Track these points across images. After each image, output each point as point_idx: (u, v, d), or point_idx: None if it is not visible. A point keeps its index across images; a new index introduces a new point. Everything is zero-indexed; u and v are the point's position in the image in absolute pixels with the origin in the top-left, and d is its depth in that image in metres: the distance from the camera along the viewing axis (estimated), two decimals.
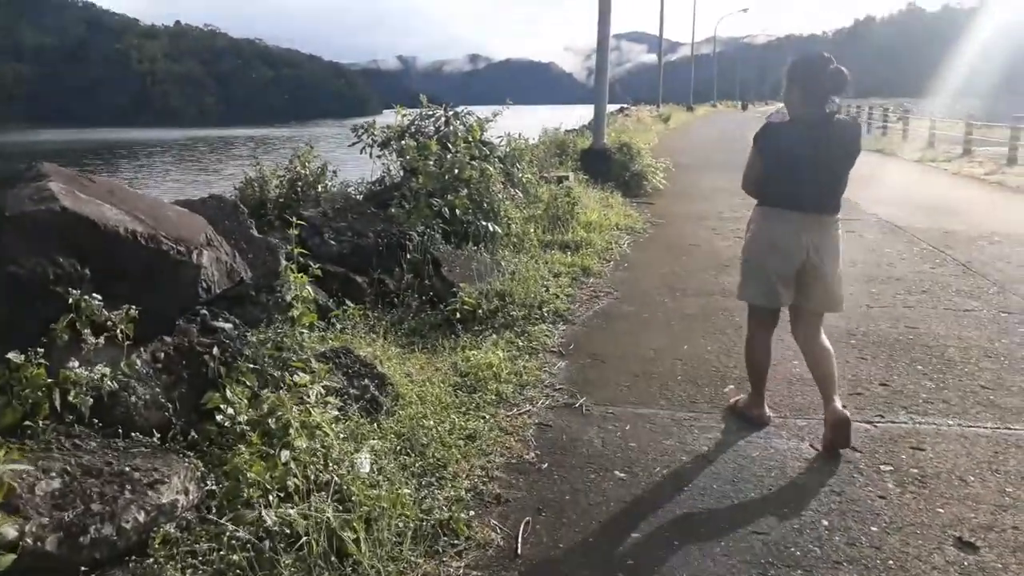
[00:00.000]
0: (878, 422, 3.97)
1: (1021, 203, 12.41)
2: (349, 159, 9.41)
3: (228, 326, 3.62)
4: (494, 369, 4.42)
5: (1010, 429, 3.86)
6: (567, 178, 10.60)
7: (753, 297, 3.88)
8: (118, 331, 2.91)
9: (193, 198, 4.63)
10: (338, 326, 4.78)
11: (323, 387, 3.43)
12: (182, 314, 3.30)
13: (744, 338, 4.09)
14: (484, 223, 6.72)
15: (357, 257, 5.61)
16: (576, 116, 29.21)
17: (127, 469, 2.53)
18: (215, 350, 3.33)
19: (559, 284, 6.43)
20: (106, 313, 2.88)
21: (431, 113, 8.19)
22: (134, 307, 2.99)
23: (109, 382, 2.88)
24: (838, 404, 3.62)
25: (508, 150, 8.84)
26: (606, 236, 8.50)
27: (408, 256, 5.78)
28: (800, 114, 3.62)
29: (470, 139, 7.44)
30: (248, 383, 3.22)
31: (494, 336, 5.08)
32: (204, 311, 3.67)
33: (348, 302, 5.14)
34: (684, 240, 8.96)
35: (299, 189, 7.29)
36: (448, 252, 6.01)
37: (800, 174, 3.57)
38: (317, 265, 4.49)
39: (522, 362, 4.73)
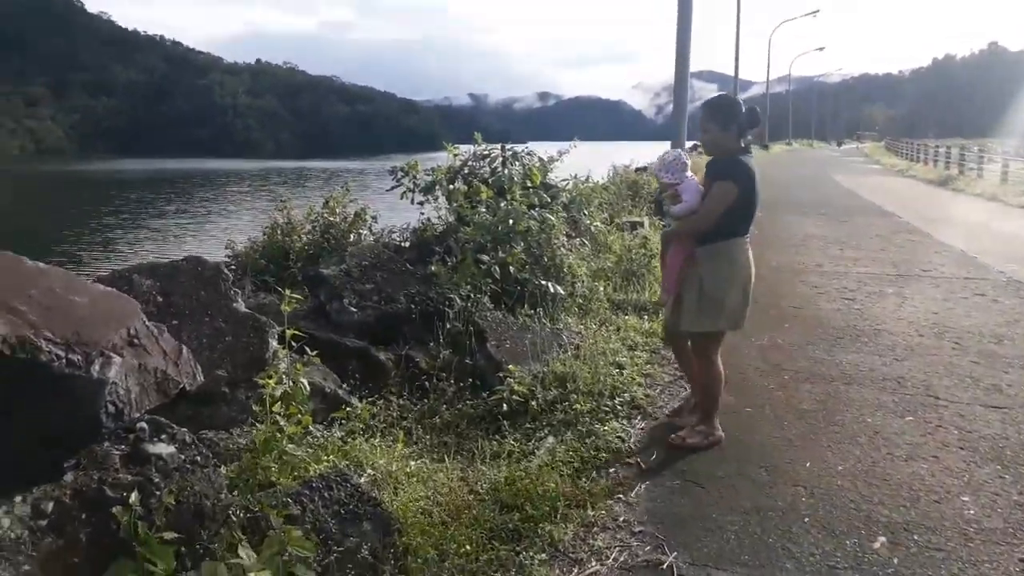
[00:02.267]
0: None
1: None
2: (403, 203, 8.42)
3: (169, 450, 2.52)
4: (549, 499, 3.23)
5: None
6: (641, 224, 9.38)
7: (724, 325, 4.05)
8: None
9: (161, 261, 3.62)
10: (347, 424, 3.66)
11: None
12: (73, 451, 2.21)
13: (710, 371, 4.09)
14: (543, 283, 5.56)
15: (384, 327, 4.53)
16: (647, 153, 28.02)
17: None
18: (134, 495, 2.23)
19: (635, 361, 5.20)
20: None
21: (486, 152, 7.11)
22: None
23: None
24: None
25: (574, 194, 7.68)
26: None
27: (448, 326, 4.65)
28: (739, 148, 3.99)
29: (528, 184, 6.32)
30: (165, 559, 2.11)
31: (551, 439, 3.88)
32: (143, 424, 2.59)
33: (365, 388, 4.03)
34: (782, 300, 7.59)
35: (333, 237, 6.30)
36: (497, 320, 4.86)
37: (757, 203, 4.01)
38: (315, 352, 3.38)
39: (587, 483, 3.52)
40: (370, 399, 4.04)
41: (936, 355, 5.71)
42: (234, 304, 3.45)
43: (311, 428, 3.25)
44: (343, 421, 3.65)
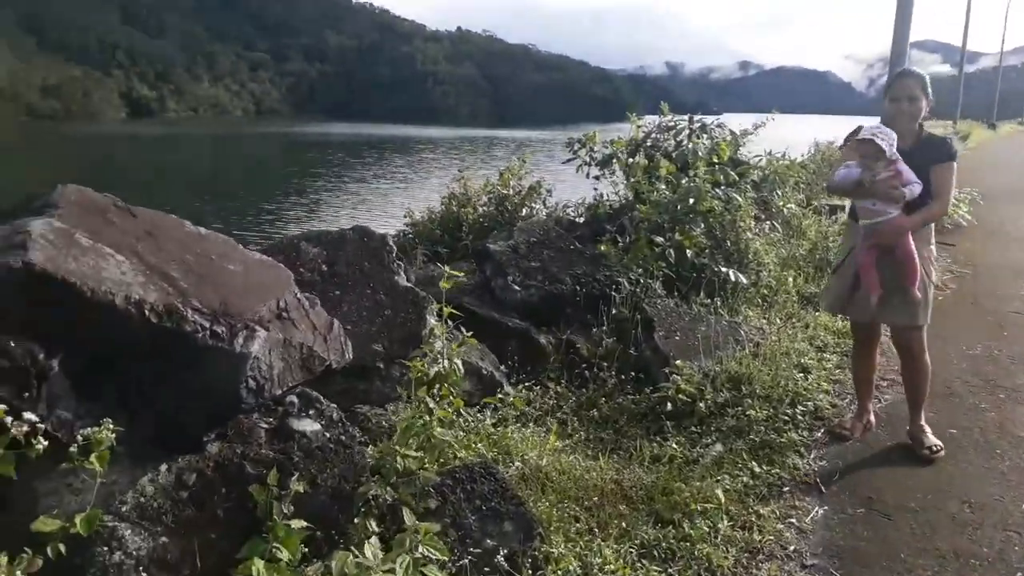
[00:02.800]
0: None
1: None
2: (584, 176, 8.13)
3: (314, 428, 2.49)
4: (710, 517, 2.92)
5: None
6: (842, 208, 8.53)
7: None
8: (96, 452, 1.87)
9: (330, 230, 3.63)
10: (501, 410, 3.53)
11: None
12: (213, 427, 2.20)
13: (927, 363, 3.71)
14: (724, 270, 5.13)
15: (547, 308, 4.35)
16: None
17: None
18: (272, 474, 2.20)
19: (823, 364, 4.68)
20: (79, 429, 1.84)
21: (672, 124, 6.69)
22: (140, 409, 1.95)
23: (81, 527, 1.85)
24: None
25: (767, 172, 7.06)
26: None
27: (613, 311, 4.39)
28: None
29: (715, 159, 5.85)
30: (290, 547, 2.05)
31: (718, 447, 3.54)
32: (292, 398, 2.58)
33: (523, 371, 3.88)
34: (1000, 304, 6.59)
35: (507, 210, 6.21)
36: (668, 309, 4.53)
37: None
38: (474, 331, 3.25)
39: (756, 502, 3.16)
40: (527, 384, 3.89)
41: None
42: (396, 277, 3.40)
43: (462, 411, 3.13)
44: (497, 406, 3.52)
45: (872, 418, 3.96)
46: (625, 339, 4.25)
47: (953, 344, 5.38)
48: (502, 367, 3.87)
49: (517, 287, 4.31)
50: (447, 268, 3.20)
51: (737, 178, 5.66)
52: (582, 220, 6.43)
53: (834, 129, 21.56)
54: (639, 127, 6.85)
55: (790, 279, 5.94)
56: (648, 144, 6.90)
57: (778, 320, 5.33)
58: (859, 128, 3.62)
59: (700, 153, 5.68)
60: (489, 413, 3.45)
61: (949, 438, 3.88)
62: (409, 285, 3.41)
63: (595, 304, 4.40)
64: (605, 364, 4.10)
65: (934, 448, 3.64)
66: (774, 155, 7.68)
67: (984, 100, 67.46)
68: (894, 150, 3.44)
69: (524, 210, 5.91)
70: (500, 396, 3.45)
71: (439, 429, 2.88)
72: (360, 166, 48.58)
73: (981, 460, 3.62)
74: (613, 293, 4.44)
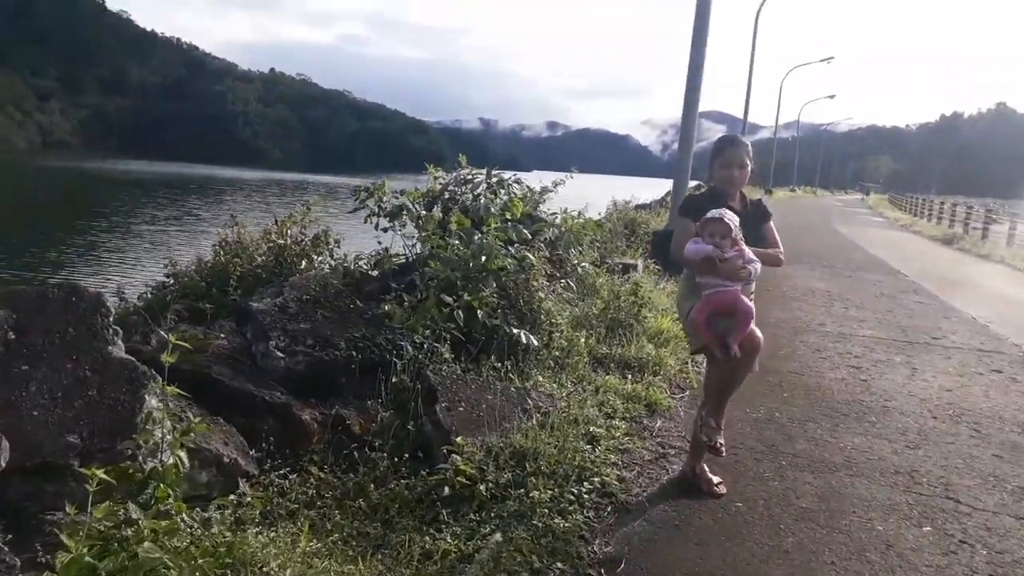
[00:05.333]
0: None
1: None
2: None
3: None
4: None
5: None
6: (635, 267, 8.71)
7: None
8: None
9: (26, 288, 2.92)
10: (243, 508, 2.95)
11: None
12: None
13: None
14: (515, 331, 4.87)
15: (316, 378, 3.83)
16: (652, 190, 27.46)
17: None
18: None
19: (611, 432, 4.49)
20: None
21: (470, 177, 6.45)
22: None
23: None
24: None
25: (562, 230, 7.01)
26: (680, 351, 6.51)
27: (394, 379, 3.95)
28: None
29: (508, 216, 5.65)
30: None
31: (497, 537, 3.17)
32: None
33: (280, 455, 3.33)
34: (780, 365, 6.88)
35: (287, 261, 5.63)
36: (453, 377, 4.16)
37: None
38: (220, 408, 2.69)
39: None
40: (283, 471, 3.33)
41: (953, 444, 5.02)
42: (109, 347, 2.76)
43: (186, 516, 2.53)
44: (240, 503, 2.94)
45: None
46: (404, 412, 3.82)
47: (738, 406, 5.44)
48: (254, 451, 3.30)
49: (280, 353, 3.76)
50: (172, 336, 2.63)
51: (530, 236, 5.49)
52: (376, 274, 5.98)
53: (631, 188, 22.75)
54: (436, 179, 6.56)
55: (582, 340, 5.81)
56: (446, 197, 6.62)
57: (569, 383, 5.14)
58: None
59: (492, 209, 5.46)
60: (227, 513, 2.86)
61: (736, 513, 3.79)
62: (126, 357, 2.78)
63: (373, 372, 3.94)
64: (379, 443, 3.64)
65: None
66: (569, 213, 7.68)
67: (761, 168, 75.21)
68: (739, 231, 3.67)
69: (304, 262, 5.36)
70: (234, 496, 2.87)
71: (147, 544, 2.29)
72: (152, 206, 45.13)
73: (766, 538, 3.52)
74: (394, 359, 4.00)
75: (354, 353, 3.91)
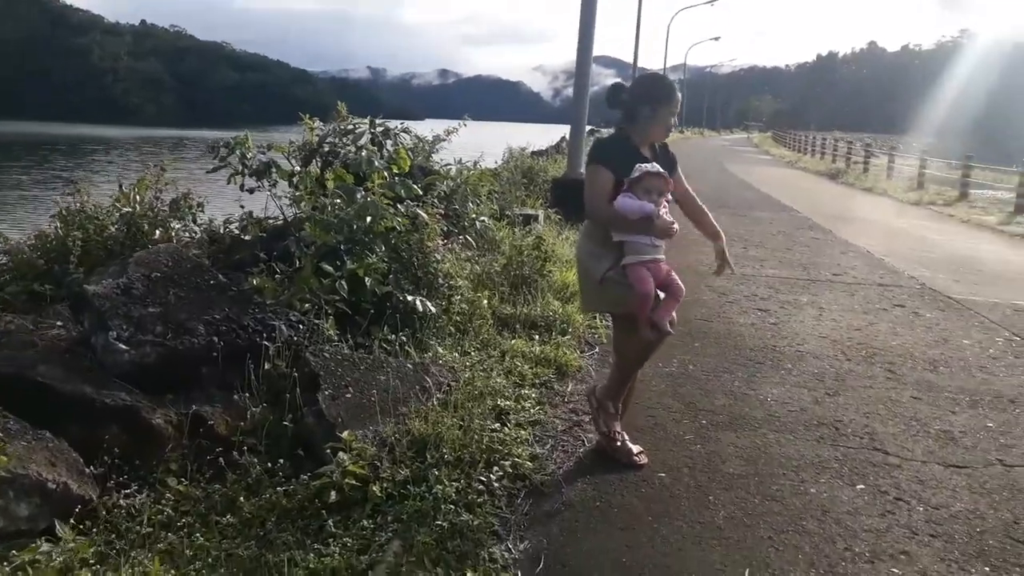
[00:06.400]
0: None
1: None
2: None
3: None
4: None
5: None
6: (536, 218, 8.28)
7: None
8: None
9: None
10: (72, 542, 2.36)
11: None
12: None
13: None
14: (410, 299, 4.35)
15: (170, 371, 3.21)
16: (546, 136, 27.07)
17: None
18: None
19: (521, 404, 4.09)
20: None
21: (350, 128, 5.79)
22: None
23: None
24: None
25: (458, 182, 6.47)
26: None
27: (267, 367, 3.38)
28: None
29: (395, 170, 5.06)
30: None
31: (396, 545, 2.71)
32: None
33: (127, 468, 2.74)
34: (688, 312, 6.60)
35: (142, 232, 4.89)
36: (340, 357, 3.61)
37: None
38: (48, 417, 2.07)
39: None
40: (131, 489, 2.75)
41: (871, 387, 4.89)
42: None
43: None
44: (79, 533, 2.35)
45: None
46: (281, 405, 3.27)
47: (650, 361, 5.12)
48: (92, 468, 2.69)
49: (123, 346, 3.12)
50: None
51: (420, 191, 4.93)
52: (248, 238, 5.30)
53: (526, 135, 22.32)
54: (313, 130, 5.88)
55: (484, 301, 5.35)
56: (325, 151, 5.96)
57: (473, 351, 4.69)
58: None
59: (376, 163, 4.85)
60: (54, 551, 2.27)
61: (661, 485, 3.46)
62: None
63: (241, 360, 3.35)
64: (252, 442, 3.09)
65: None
66: (465, 164, 7.14)
67: None
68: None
69: (159, 232, 4.64)
70: (36, 551, 2.26)
71: None
72: (17, 170, 41.55)
73: (696, 514, 3.20)
74: (265, 343, 3.43)
75: (215, 339, 3.31)
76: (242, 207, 4.96)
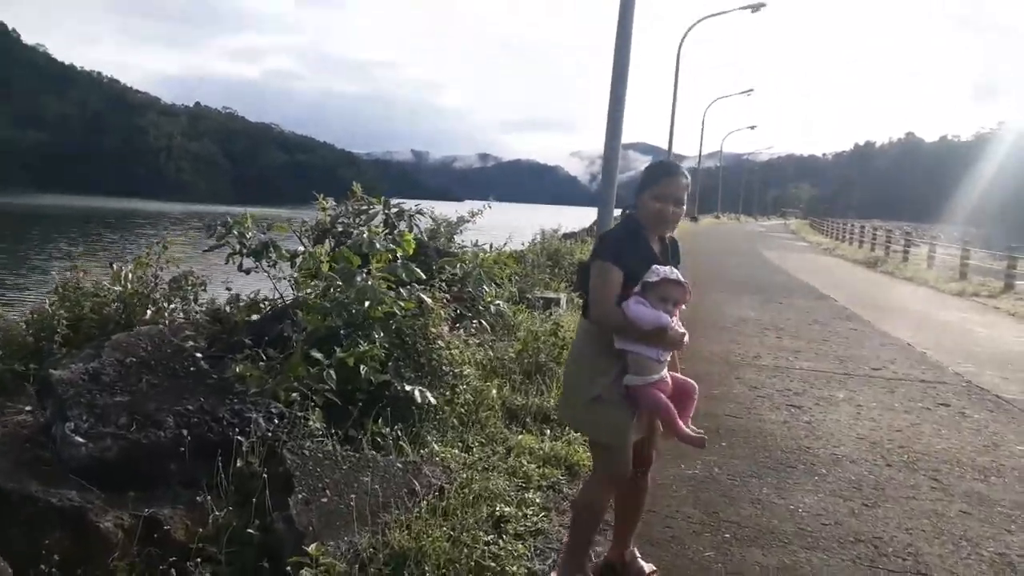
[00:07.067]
0: None
1: None
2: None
3: None
4: None
5: None
6: (557, 302, 8.01)
7: None
8: None
9: None
10: None
11: None
12: None
13: None
14: (408, 388, 4.06)
15: (132, 467, 2.94)
16: (580, 218, 27.18)
17: None
18: None
19: (522, 510, 3.72)
20: None
21: (364, 208, 5.65)
22: None
23: None
24: None
25: (473, 265, 6.24)
26: None
27: (241, 463, 3.10)
28: None
29: (399, 252, 4.86)
30: None
31: None
32: None
33: None
34: (716, 407, 6.22)
35: (135, 309, 4.72)
36: (322, 455, 3.31)
37: None
38: None
39: None
40: None
41: (914, 498, 4.42)
42: None
43: None
44: None
45: None
46: (249, 508, 2.96)
47: (671, 462, 4.73)
48: None
49: (80, 439, 2.87)
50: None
51: (423, 275, 4.71)
52: (255, 318, 5.10)
53: (560, 217, 22.40)
54: (325, 210, 5.74)
55: (494, 390, 5.04)
56: (339, 231, 5.80)
57: (476, 446, 4.35)
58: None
59: (378, 245, 4.65)
60: None
61: None
62: None
63: (212, 456, 3.07)
64: (211, 552, 2.78)
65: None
66: (481, 246, 6.94)
67: (688, 197, 76.56)
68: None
69: (151, 311, 4.45)
70: None
71: None
72: (66, 242, 42.82)
73: None
74: (239, 438, 3.15)
75: (184, 432, 3.04)
76: (228, 289, 4.78)
